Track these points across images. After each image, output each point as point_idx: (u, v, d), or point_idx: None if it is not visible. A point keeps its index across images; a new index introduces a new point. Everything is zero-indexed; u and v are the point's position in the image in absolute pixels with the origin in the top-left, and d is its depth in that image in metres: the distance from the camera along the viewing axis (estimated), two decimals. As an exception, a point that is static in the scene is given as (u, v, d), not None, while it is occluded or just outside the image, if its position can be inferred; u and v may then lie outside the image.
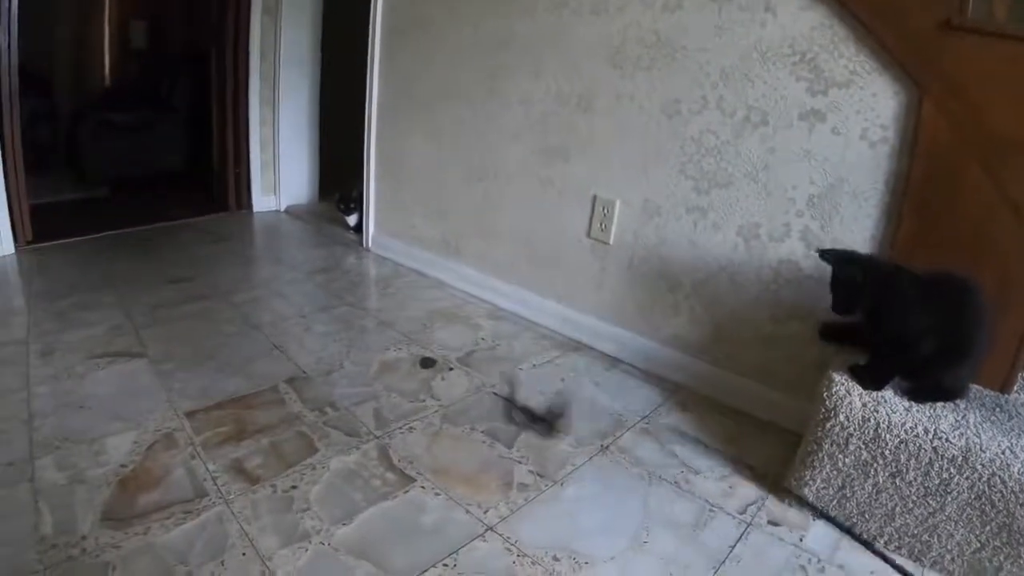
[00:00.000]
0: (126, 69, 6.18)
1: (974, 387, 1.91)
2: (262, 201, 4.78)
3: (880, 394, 1.81)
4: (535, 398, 2.45)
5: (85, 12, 5.97)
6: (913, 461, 1.73)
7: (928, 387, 1.80)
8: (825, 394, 1.85)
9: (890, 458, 1.76)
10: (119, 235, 3.98)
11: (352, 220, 4.24)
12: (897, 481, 1.78)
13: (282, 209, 4.86)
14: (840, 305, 1.88)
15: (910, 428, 1.72)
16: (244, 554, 1.61)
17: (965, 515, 1.70)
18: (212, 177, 4.81)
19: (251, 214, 4.71)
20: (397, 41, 3.61)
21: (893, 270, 1.82)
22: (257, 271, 3.69)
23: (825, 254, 1.91)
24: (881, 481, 1.80)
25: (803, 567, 1.75)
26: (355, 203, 4.16)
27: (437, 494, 1.89)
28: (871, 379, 1.84)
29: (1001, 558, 1.68)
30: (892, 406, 1.77)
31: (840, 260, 1.88)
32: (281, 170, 4.78)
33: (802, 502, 1.96)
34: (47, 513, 1.67)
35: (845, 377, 1.86)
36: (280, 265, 3.77)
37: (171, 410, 2.18)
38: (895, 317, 1.77)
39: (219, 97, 4.54)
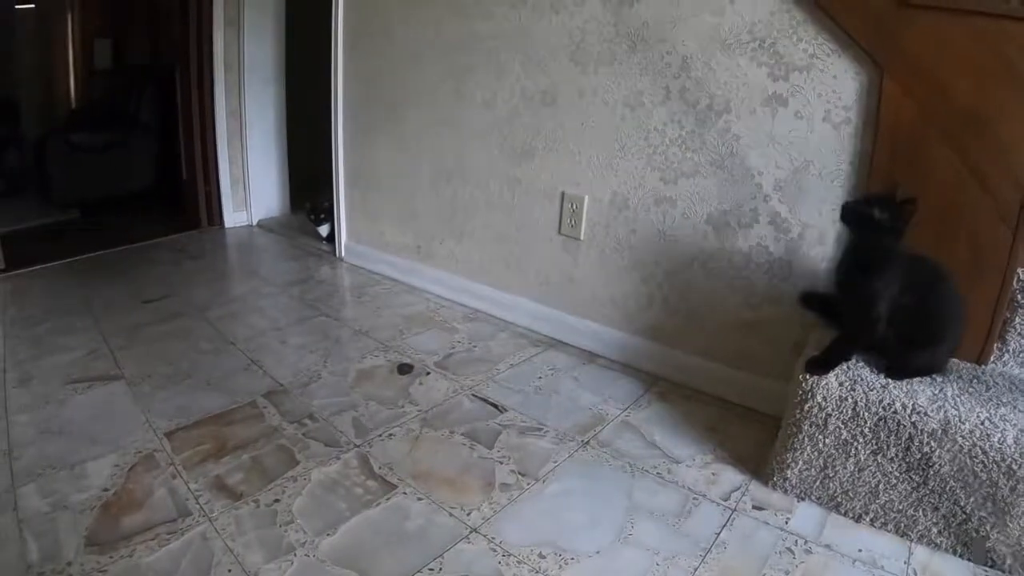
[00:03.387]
0: (92, 89, 6.14)
1: (951, 360, 1.92)
2: (234, 216, 4.75)
3: (857, 372, 1.81)
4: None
5: (48, 34, 5.93)
6: (893, 437, 1.74)
7: (902, 366, 1.81)
8: (801, 376, 1.85)
9: (870, 436, 1.77)
10: (92, 258, 3.95)
11: (324, 230, 4.23)
12: (879, 458, 1.78)
13: (254, 223, 4.83)
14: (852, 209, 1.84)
15: (888, 405, 1.73)
16: (230, 571, 1.60)
17: (949, 488, 1.71)
18: (182, 194, 4.78)
19: (223, 230, 4.67)
20: (360, 47, 3.60)
21: (896, 245, 1.81)
22: (231, 287, 3.67)
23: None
24: (863, 459, 1.81)
25: (790, 549, 1.76)
26: (326, 213, 4.14)
27: (420, 499, 1.89)
28: (822, 365, 1.85)
29: (988, 527, 1.69)
30: (869, 384, 1.78)
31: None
32: (251, 184, 4.75)
33: (785, 485, 1.97)
34: (32, 541, 1.66)
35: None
36: (254, 279, 3.74)
37: (150, 431, 2.16)
38: (868, 292, 1.77)
39: (185, 113, 4.50)
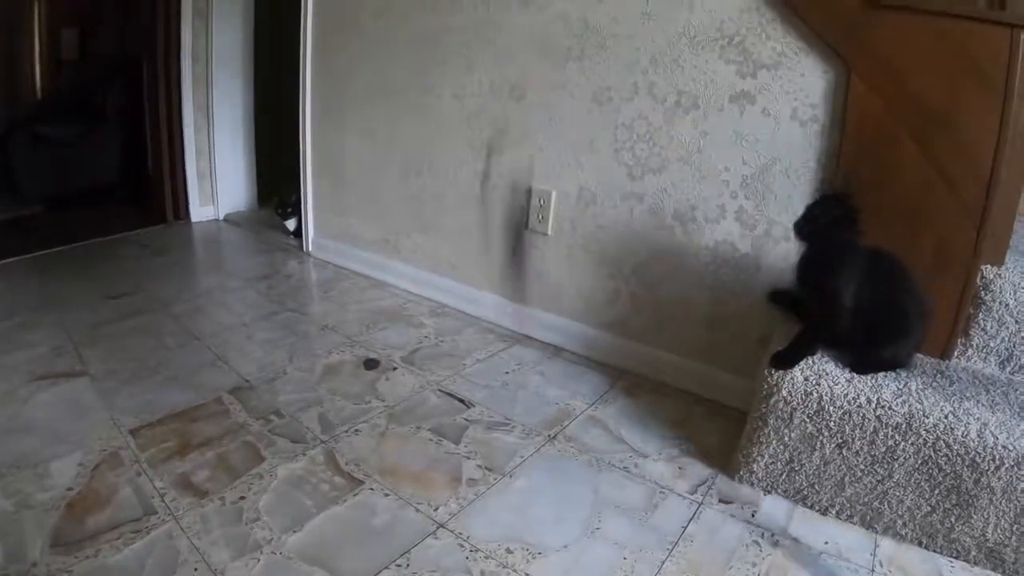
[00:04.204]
0: (57, 80, 6.06)
1: (915, 355, 1.94)
2: (200, 210, 4.71)
3: (822, 367, 1.83)
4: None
5: (13, 23, 5.85)
6: (858, 431, 1.76)
7: (867, 361, 1.83)
8: (767, 370, 1.87)
9: (835, 429, 1.79)
10: (56, 253, 3.89)
11: (292, 225, 4.21)
12: (844, 451, 1.80)
13: (221, 218, 4.79)
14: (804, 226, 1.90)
15: (853, 399, 1.75)
16: (196, 569, 1.58)
17: (913, 480, 1.73)
18: (148, 188, 4.72)
19: (190, 224, 4.63)
20: (328, 40, 3.58)
21: (847, 238, 1.83)
22: (197, 282, 3.64)
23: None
24: (828, 453, 1.82)
25: (757, 542, 1.77)
26: (294, 208, 4.12)
27: (386, 495, 1.88)
28: (784, 360, 1.86)
29: (952, 519, 1.71)
30: (834, 378, 1.79)
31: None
32: (218, 178, 4.71)
33: (752, 478, 1.98)
34: (-5, 542, 1.64)
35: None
36: (220, 274, 3.72)
37: (115, 428, 2.13)
38: (828, 283, 1.80)
39: (152, 105, 4.45)
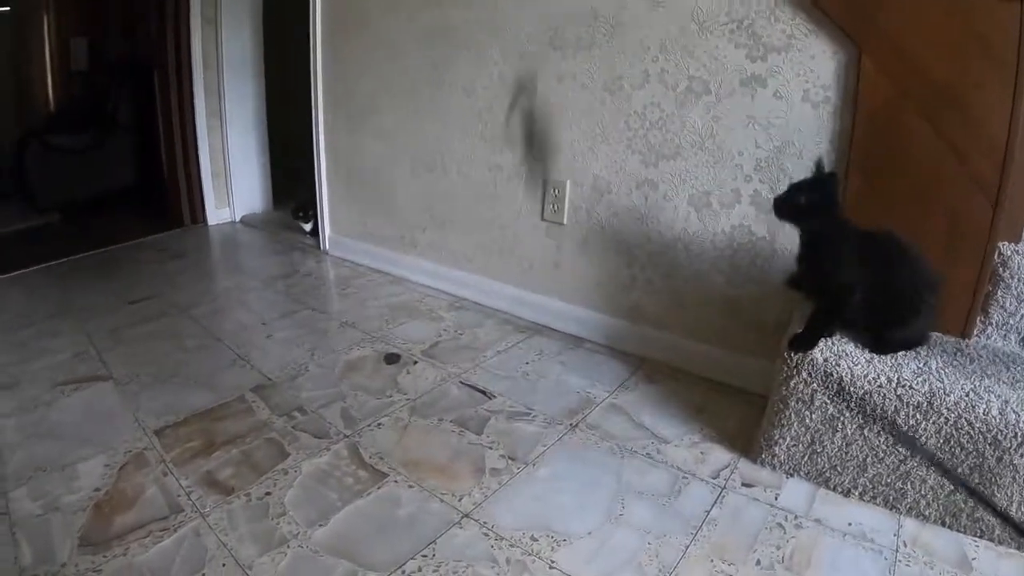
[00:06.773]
0: (69, 90, 6.09)
1: (935, 333, 1.94)
2: (216, 213, 4.73)
3: (841, 348, 1.82)
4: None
5: (24, 36, 5.88)
6: (879, 411, 1.75)
7: (884, 341, 1.82)
8: (786, 353, 1.86)
9: (856, 410, 1.78)
10: (74, 260, 3.92)
11: (308, 226, 4.23)
12: (865, 432, 1.79)
13: (237, 220, 4.81)
14: (781, 204, 1.90)
15: (873, 379, 1.74)
16: (224, 565, 1.59)
17: (936, 459, 1.72)
18: (164, 194, 4.75)
19: (206, 227, 4.65)
20: (338, 40, 3.59)
21: (838, 218, 1.83)
22: (216, 283, 3.66)
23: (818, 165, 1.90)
24: (850, 434, 1.82)
25: (780, 525, 1.77)
26: (313, 211, 4.13)
27: (410, 487, 1.89)
28: (802, 343, 1.86)
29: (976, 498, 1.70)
30: (854, 359, 1.79)
31: (816, 173, 1.88)
32: (233, 180, 4.73)
33: (774, 461, 1.98)
34: (25, 544, 1.65)
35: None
36: (239, 275, 3.74)
37: (140, 430, 2.15)
38: (827, 264, 1.80)
39: (165, 111, 4.47)
